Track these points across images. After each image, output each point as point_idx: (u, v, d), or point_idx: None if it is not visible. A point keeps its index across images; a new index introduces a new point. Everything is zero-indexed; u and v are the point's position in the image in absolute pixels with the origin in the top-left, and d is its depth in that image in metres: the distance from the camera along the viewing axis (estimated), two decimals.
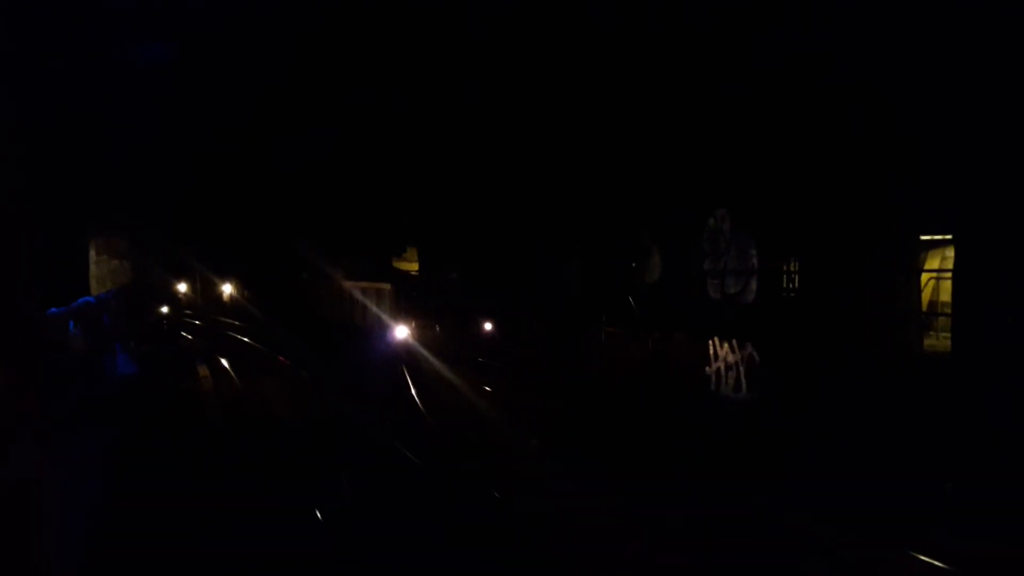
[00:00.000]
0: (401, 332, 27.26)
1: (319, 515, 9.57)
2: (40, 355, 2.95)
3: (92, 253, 35.02)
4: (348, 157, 27.37)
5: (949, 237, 12.79)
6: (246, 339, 35.72)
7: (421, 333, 30.47)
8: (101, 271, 36.54)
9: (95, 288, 31.43)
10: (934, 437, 11.01)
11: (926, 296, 14.05)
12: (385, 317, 39.72)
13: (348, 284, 43.21)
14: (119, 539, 8.91)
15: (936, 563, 8.00)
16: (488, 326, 28.74)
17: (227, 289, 58.41)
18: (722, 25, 12.70)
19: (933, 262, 14.51)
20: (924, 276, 13.54)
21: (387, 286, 41.74)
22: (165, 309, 44.73)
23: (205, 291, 59.49)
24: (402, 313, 36.03)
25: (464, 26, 13.21)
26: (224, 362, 25.63)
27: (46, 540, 2.77)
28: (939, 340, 13.96)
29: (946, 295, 13.54)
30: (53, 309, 17.63)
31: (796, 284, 14.95)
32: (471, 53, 14.31)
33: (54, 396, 12.79)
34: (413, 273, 41.01)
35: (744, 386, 15.75)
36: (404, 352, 25.61)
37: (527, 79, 15.72)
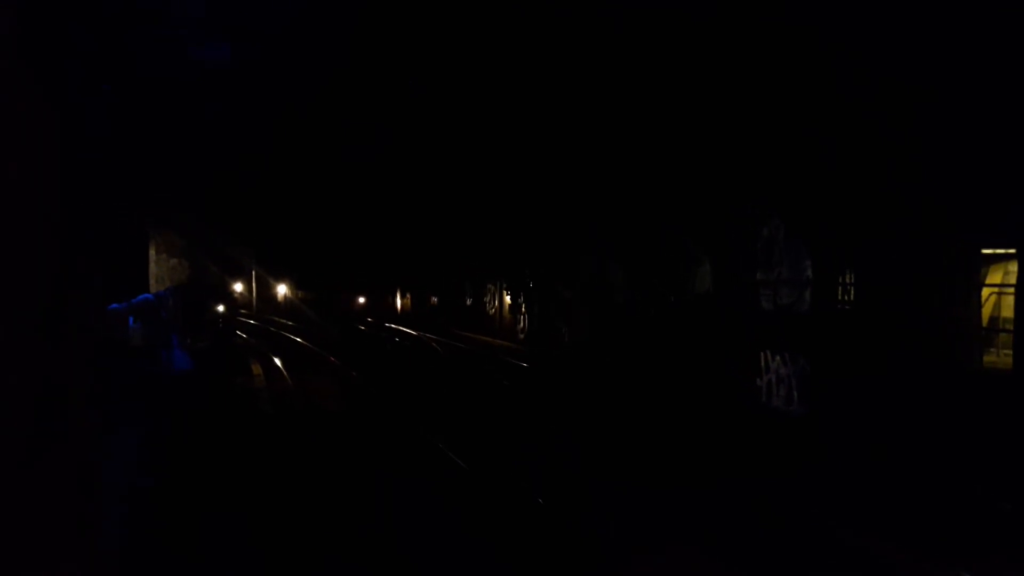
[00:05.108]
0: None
1: None
2: (94, 343, 3.05)
3: (152, 251, 35.96)
4: (389, 161, 27.37)
5: (1012, 251, 12.42)
6: (299, 339, 36.33)
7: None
8: (160, 269, 37.50)
9: (154, 286, 32.28)
10: (993, 455, 10.70)
11: (987, 311, 13.63)
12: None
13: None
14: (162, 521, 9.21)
15: None
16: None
17: (282, 290, 59.42)
18: (739, 19, 12.23)
19: (995, 276, 14.08)
20: (985, 291, 13.15)
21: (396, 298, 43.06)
22: (221, 308, 45.77)
23: (260, 291, 60.69)
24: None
25: (478, 23, 13.14)
26: (277, 361, 26.13)
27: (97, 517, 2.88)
28: (1000, 357, 13.56)
29: (1008, 311, 13.13)
30: (114, 305, 18.20)
31: (851, 296, 14.64)
32: (491, 49, 14.23)
33: (115, 386, 13.26)
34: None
35: (796, 399, 15.50)
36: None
37: (558, 75, 15.53)
